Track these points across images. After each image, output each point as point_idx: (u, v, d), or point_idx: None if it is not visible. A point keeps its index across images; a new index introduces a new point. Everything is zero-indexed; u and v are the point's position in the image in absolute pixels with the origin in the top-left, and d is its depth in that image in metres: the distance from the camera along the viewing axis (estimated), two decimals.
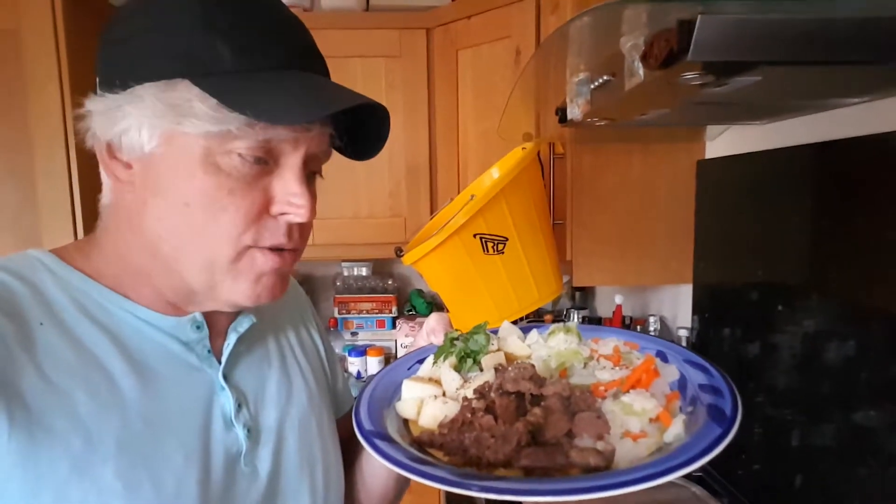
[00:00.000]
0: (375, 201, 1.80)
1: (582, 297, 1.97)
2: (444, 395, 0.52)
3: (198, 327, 0.54)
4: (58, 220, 1.47)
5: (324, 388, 0.68)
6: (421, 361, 0.60)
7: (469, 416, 0.46)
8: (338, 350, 1.94)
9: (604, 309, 1.89)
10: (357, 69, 1.73)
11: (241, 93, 0.45)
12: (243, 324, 0.58)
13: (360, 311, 1.99)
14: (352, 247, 1.82)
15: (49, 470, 0.43)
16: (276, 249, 0.51)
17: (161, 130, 0.46)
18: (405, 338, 1.94)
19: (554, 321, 1.54)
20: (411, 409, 0.51)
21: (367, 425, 0.48)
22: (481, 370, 0.54)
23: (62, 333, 0.47)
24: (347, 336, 1.99)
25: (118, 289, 0.51)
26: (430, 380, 0.54)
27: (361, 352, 1.90)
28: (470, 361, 0.54)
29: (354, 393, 1.84)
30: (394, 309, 1.99)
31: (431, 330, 0.64)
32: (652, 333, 1.45)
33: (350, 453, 0.68)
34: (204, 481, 0.50)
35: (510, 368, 0.50)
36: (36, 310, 0.47)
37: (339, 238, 1.79)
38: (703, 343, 1.28)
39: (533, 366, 0.50)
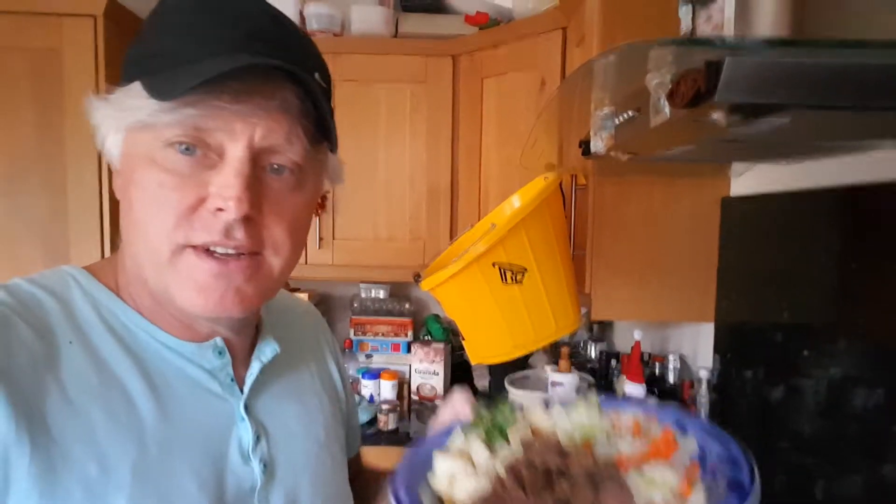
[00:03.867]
0: (395, 224, 1.81)
1: (600, 329, 1.94)
2: (474, 468, 0.52)
3: (220, 353, 0.53)
4: (86, 232, 1.51)
5: (339, 424, 0.67)
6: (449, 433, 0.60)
7: (500, 490, 0.46)
8: (351, 372, 1.93)
9: (622, 343, 1.86)
10: (382, 93, 1.76)
11: (169, 79, 0.44)
12: (266, 353, 0.57)
13: (376, 334, 1.98)
14: (370, 269, 1.82)
15: (64, 495, 0.43)
16: (215, 252, 0.47)
17: (119, 134, 0.48)
18: (419, 363, 1.93)
19: (571, 353, 1.52)
20: (444, 483, 0.51)
21: (406, 500, 0.47)
22: (508, 443, 0.54)
23: (88, 354, 0.48)
24: (362, 358, 1.98)
25: (139, 310, 0.51)
26: (461, 453, 0.54)
27: (375, 375, 1.89)
28: (498, 435, 0.54)
29: (364, 416, 1.82)
30: (409, 333, 1.98)
31: (457, 410, 0.61)
32: (671, 371, 1.41)
33: (355, 495, 0.66)
34: None
35: (536, 442, 0.51)
36: (66, 327, 0.48)
37: (357, 259, 1.80)
38: (725, 384, 1.24)
39: (558, 439, 0.51)
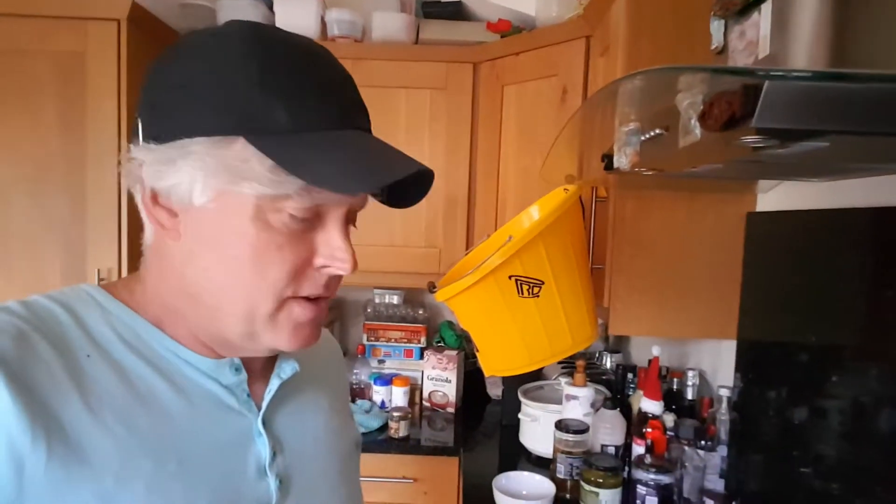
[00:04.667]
0: (411, 231, 1.80)
1: (616, 341, 1.91)
2: None
3: (236, 370, 0.53)
4: (104, 233, 1.52)
5: (353, 441, 0.67)
6: None
7: None
8: (363, 378, 1.92)
9: (639, 356, 1.83)
10: (402, 99, 1.75)
11: (298, 155, 0.44)
12: (286, 370, 0.57)
13: (389, 340, 1.98)
14: (384, 274, 1.82)
15: None
16: (313, 299, 0.51)
17: (215, 189, 0.46)
18: (432, 370, 1.91)
19: (587, 365, 1.49)
20: None
21: None
22: None
23: (109, 365, 0.48)
24: (374, 363, 1.97)
25: (160, 327, 0.52)
26: None
27: (387, 381, 1.88)
28: None
29: (375, 422, 1.81)
30: (423, 339, 1.97)
31: None
32: (690, 388, 1.38)
33: None
34: None
35: None
36: (83, 341, 0.48)
37: (372, 265, 1.79)
38: (746, 403, 1.21)
39: None
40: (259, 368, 0.57)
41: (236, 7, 1.73)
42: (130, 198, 1.51)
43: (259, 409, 0.54)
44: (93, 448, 0.44)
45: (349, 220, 0.52)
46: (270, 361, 0.57)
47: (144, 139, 0.47)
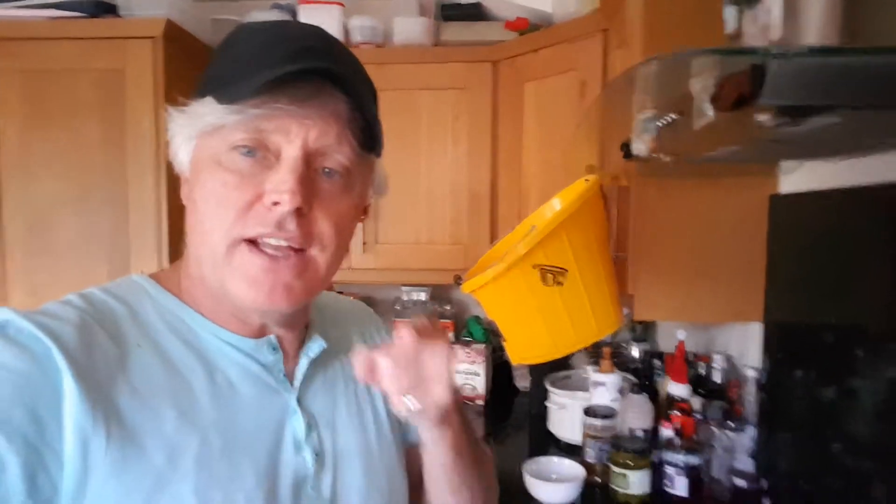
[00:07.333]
0: (436, 228, 1.84)
1: (643, 329, 1.92)
2: None
3: (273, 349, 0.57)
4: (146, 244, 1.58)
5: (392, 415, 0.69)
6: None
7: None
8: None
9: (665, 343, 1.84)
10: (424, 100, 1.79)
11: (229, 89, 0.49)
12: (314, 348, 0.61)
13: None
14: (411, 272, 1.86)
15: (137, 483, 0.47)
16: (266, 249, 0.51)
17: (190, 142, 0.53)
18: (460, 364, 1.95)
19: (613, 354, 1.52)
20: None
21: None
22: None
23: (156, 355, 0.52)
24: None
25: (201, 311, 0.56)
26: None
27: None
28: None
29: None
30: (451, 334, 2.01)
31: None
32: (717, 371, 1.39)
33: (415, 486, 0.68)
34: (271, 502, 0.53)
35: None
36: (135, 332, 0.52)
37: (399, 263, 1.84)
38: (774, 385, 1.22)
39: None
40: (294, 349, 0.61)
41: (264, 19, 1.81)
42: (170, 209, 1.60)
43: (293, 387, 0.58)
44: (144, 430, 0.48)
45: (321, 164, 0.52)
46: (304, 342, 0.61)
47: None
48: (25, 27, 1.54)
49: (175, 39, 1.59)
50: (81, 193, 1.58)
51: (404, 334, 0.53)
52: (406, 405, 0.53)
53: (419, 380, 0.53)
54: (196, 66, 1.71)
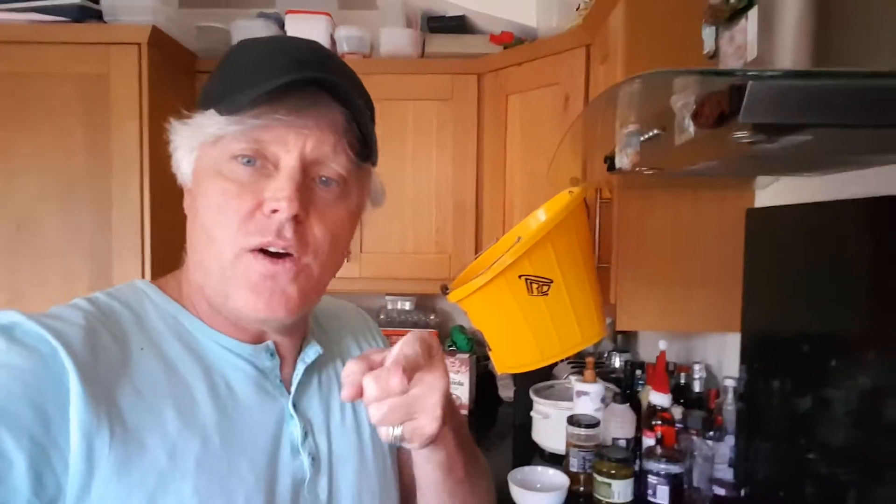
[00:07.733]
0: (421, 237, 1.85)
1: (624, 340, 1.95)
2: None
3: (271, 355, 0.58)
4: (128, 246, 1.58)
5: None
6: None
7: None
8: None
9: (646, 353, 1.87)
10: (410, 111, 1.81)
11: (227, 100, 0.50)
12: (310, 354, 0.62)
13: None
14: (396, 281, 1.87)
15: (140, 481, 0.47)
16: (268, 254, 0.52)
17: (192, 153, 0.54)
18: None
19: (595, 364, 1.53)
20: None
21: None
22: None
23: (159, 358, 0.53)
24: None
25: (200, 317, 0.57)
26: None
27: None
28: None
29: None
30: None
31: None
32: (697, 381, 1.42)
33: (406, 488, 0.69)
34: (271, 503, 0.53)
35: None
36: (138, 335, 0.53)
37: (384, 272, 1.85)
38: (752, 394, 1.25)
39: None
40: (291, 355, 0.61)
41: (249, 28, 1.81)
42: (152, 211, 1.59)
43: (289, 392, 0.59)
44: (147, 430, 0.49)
45: (318, 173, 0.54)
46: (300, 348, 0.62)
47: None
48: (9, 30, 1.53)
49: (160, 46, 1.59)
50: (64, 196, 1.57)
51: (395, 376, 0.45)
52: (390, 435, 0.48)
53: (408, 414, 0.48)
54: (181, 73, 1.71)
